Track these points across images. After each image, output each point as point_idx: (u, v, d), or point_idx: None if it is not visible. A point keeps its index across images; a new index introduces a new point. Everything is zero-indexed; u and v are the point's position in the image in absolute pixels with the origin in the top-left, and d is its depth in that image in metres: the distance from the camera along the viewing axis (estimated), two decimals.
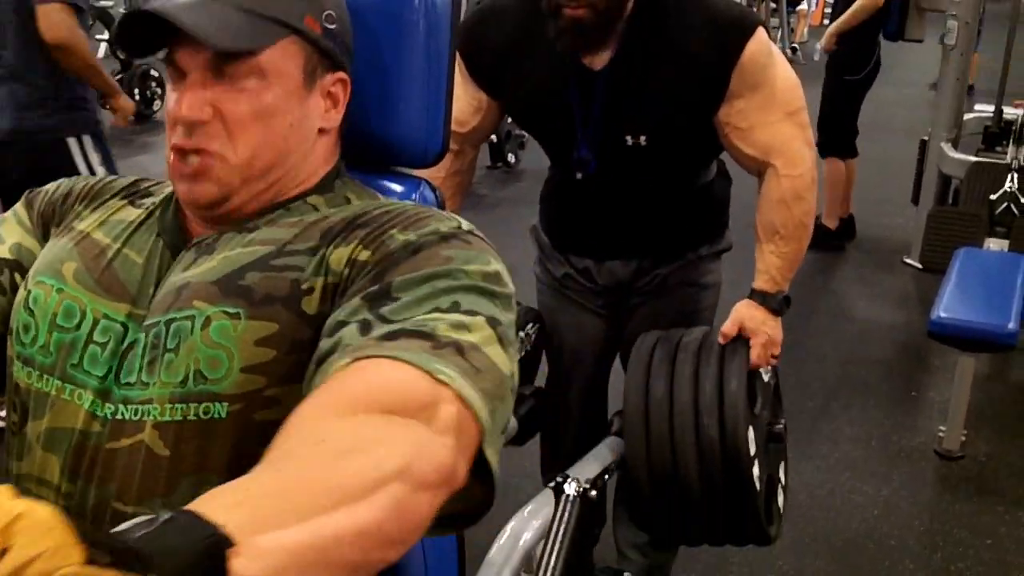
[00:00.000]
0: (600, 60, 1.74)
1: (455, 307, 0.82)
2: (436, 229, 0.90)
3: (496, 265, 0.90)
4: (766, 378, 1.86)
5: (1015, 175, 3.95)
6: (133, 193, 1.07)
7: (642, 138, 1.78)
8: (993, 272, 3.34)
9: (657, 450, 1.70)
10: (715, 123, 1.77)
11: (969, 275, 3.24)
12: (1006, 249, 3.65)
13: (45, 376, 0.94)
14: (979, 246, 3.66)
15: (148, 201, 1.05)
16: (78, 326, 0.94)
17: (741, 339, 1.79)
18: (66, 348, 0.94)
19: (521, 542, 1.54)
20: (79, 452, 0.91)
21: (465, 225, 0.94)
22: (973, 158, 4.53)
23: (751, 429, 1.70)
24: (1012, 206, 3.77)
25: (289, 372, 0.88)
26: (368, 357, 0.76)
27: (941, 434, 3.10)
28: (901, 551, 2.59)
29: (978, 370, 3.13)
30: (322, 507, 0.60)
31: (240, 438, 0.88)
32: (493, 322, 0.83)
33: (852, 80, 4.82)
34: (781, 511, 1.86)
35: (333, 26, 1.00)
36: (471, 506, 0.79)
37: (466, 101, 1.84)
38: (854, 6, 4.74)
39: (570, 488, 1.58)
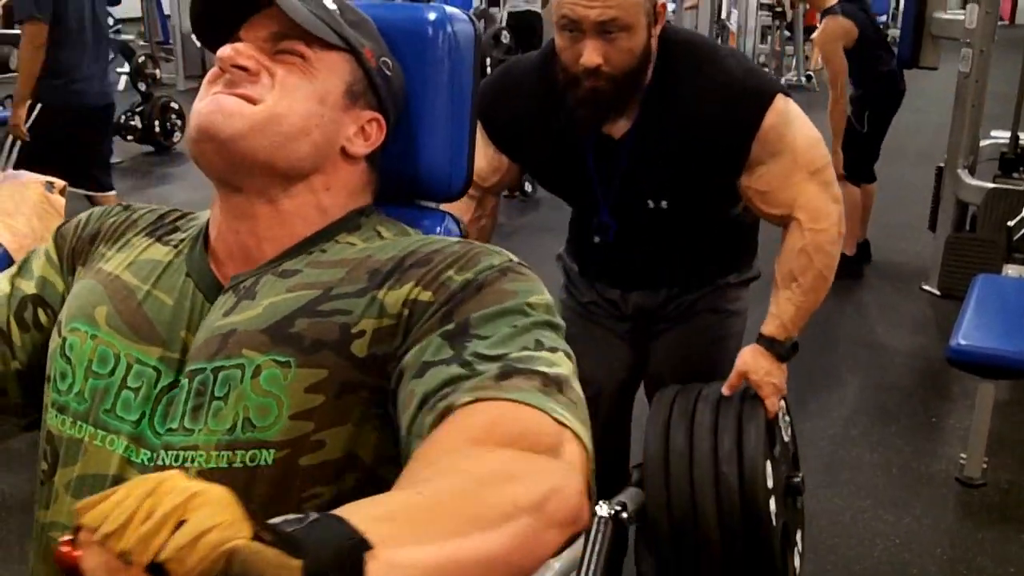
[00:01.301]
0: (620, 129, 1.76)
1: (540, 345, 0.86)
2: (491, 264, 0.93)
3: (548, 294, 0.94)
4: (786, 438, 1.87)
5: None
6: (159, 228, 1.07)
7: (663, 202, 1.80)
8: (1012, 299, 3.33)
9: (677, 499, 1.72)
10: (737, 186, 1.77)
11: (988, 302, 3.23)
12: None
13: (78, 423, 0.94)
14: (997, 272, 3.65)
15: (176, 238, 1.05)
16: (112, 372, 0.94)
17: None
18: (100, 394, 0.93)
19: (548, 575, 1.54)
20: None
21: (513, 257, 0.96)
22: (990, 184, 4.54)
23: (769, 465, 1.71)
24: None
25: (336, 416, 0.88)
26: (490, 399, 0.79)
27: (962, 461, 3.09)
28: None
29: (998, 396, 3.11)
30: (457, 531, 0.64)
31: (282, 482, 0.88)
32: (568, 355, 0.88)
33: (876, 113, 4.83)
34: (797, 572, 1.86)
35: (388, 72, 1.05)
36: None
37: (486, 161, 1.85)
38: (832, 123, 4.71)
39: (602, 510, 1.59)
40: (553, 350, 0.86)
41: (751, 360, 1.80)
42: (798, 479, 1.87)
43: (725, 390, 1.80)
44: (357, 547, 0.57)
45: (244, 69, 0.95)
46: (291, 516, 0.58)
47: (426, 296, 0.90)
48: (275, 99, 0.96)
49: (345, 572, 0.56)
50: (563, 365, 0.85)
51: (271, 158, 0.96)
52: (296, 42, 0.98)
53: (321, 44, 0.98)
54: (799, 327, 1.81)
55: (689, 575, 1.78)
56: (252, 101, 0.95)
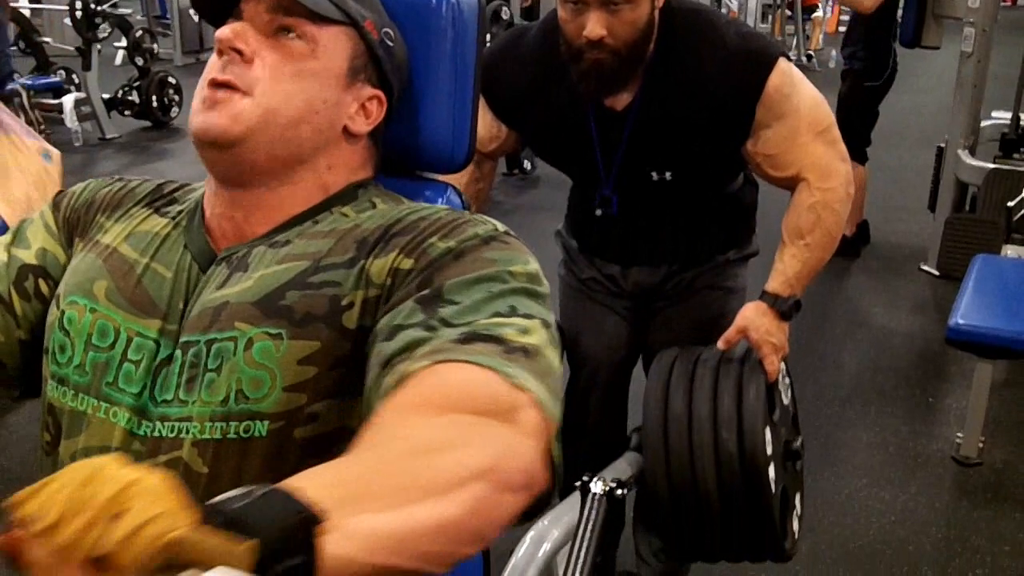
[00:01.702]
0: (622, 101, 1.75)
1: (513, 311, 0.84)
2: (475, 233, 0.92)
3: (534, 264, 0.92)
4: (785, 401, 1.86)
5: None
6: (157, 199, 1.07)
7: (667, 174, 1.79)
8: (1011, 279, 3.34)
9: (676, 464, 1.71)
10: (743, 153, 1.76)
11: (986, 282, 3.24)
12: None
13: (80, 395, 0.94)
14: (996, 253, 3.66)
15: (173, 210, 1.05)
16: (112, 345, 0.94)
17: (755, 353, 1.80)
18: (101, 367, 0.94)
19: (546, 545, 1.55)
20: None
21: (500, 227, 0.95)
22: (990, 165, 4.53)
23: (768, 431, 1.71)
24: None
25: (329, 388, 0.89)
26: (448, 361, 0.78)
27: (959, 440, 3.10)
28: (918, 558, 2.59)
29: (995, 376, 3.12)
30: (409, 498, 0.63)
31: (277, 455, 0.88)
32: (545, 324, 0.86)
33: (872, 86, 4.81)
34: (796, 535, 1.87)
35: (390, 43, 1.05)
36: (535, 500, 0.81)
37: (485, 128, 1.83)
38: None
39: (596, 487, 1.58)
40: (528, 317, 0.85)
41: (752, 316, 1.79)
42: (797, 443, 1.86)
43: (720, 344, 1.80)
44: (308, 521, 0.56)
45: (240, 52, 0.95)
46: (235, 492, 0.57)
47: (408, 264, 0.90)
48: (270, 89, 0.95)
49: (297, 549, 0.54)
50: (536, 333, 0.84)
51: (273, 151, 0.96)
52: (296, 18, 0.97)
53: (322, 19, 0.98)
54: (804, 285, 1.80)
55: (688, 539, 1.78)
56: (245, 91, 0.95)
